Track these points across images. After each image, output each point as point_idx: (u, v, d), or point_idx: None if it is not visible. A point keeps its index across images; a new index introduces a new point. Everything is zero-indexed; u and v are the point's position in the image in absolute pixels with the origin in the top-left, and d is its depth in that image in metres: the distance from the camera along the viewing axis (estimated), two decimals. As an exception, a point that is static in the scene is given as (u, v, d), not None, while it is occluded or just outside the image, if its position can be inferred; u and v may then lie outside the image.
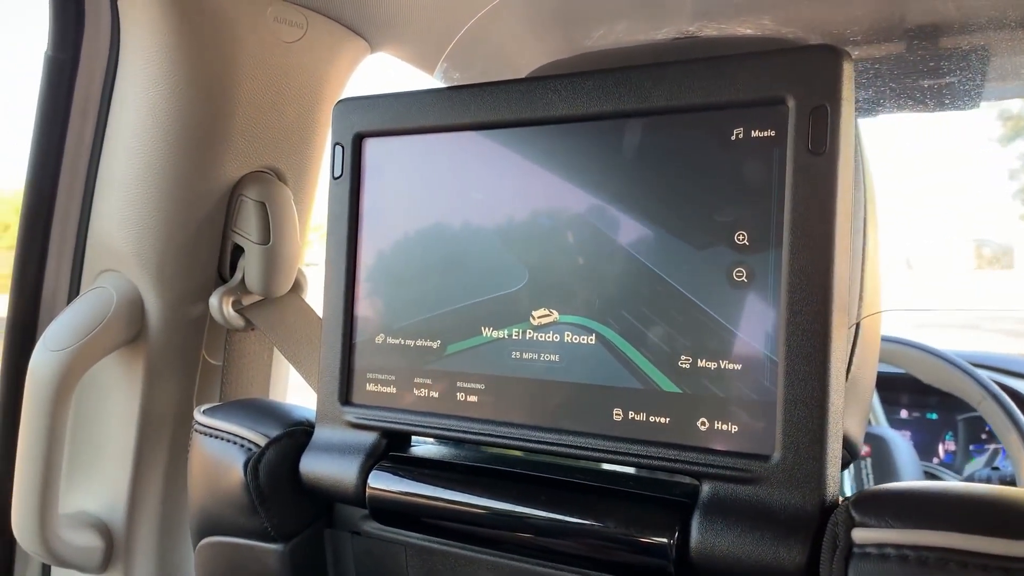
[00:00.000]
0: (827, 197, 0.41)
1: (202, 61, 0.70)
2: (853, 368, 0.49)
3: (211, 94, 0.71)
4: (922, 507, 0.39)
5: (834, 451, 0.41)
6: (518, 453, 0.54)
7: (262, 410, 0.60)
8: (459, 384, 0.52)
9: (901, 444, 1.33)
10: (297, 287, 0.82)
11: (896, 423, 1.62)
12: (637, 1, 0.68)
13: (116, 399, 0.77)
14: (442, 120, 0.53)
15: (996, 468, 1.33)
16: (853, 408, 0.49)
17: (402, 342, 0.54)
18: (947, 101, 0.81)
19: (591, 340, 0.48)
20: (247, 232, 0.75)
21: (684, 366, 0.45)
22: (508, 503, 0.49)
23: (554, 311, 0.49)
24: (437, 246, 0.53)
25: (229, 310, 0.76)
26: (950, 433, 1.61)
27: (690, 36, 0.71)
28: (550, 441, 0.48)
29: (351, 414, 0.55)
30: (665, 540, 0.44)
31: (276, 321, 0.77)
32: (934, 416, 1.63)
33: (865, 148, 0.52)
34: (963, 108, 0.82)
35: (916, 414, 1.64)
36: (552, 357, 0.49)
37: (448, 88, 0.54)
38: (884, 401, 1.56)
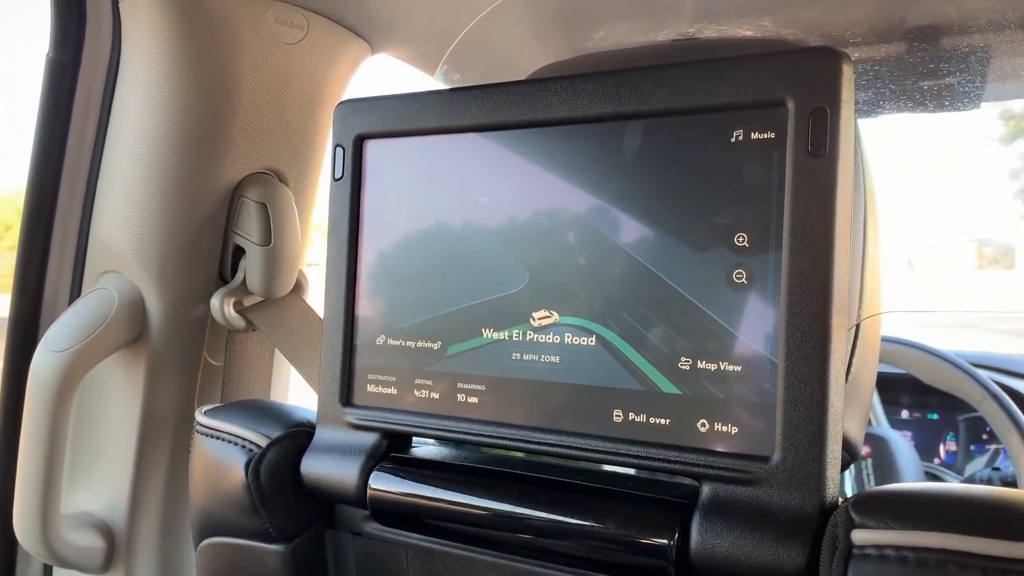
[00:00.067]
0: (827, 199, 0.41)
1: (203, 63, 0.70)
2: (853, 369, 0.49)
3: (212, 95, 0.71)
4: (921, 508, 0.39)
5: (834, 452, 0.41)
6: (518, 454, 0.55)
7: (263, 411, 0.60)
8: (460, 385, 0.52)
9: (902, 444, 1.33)
10: (298, 288, 0.82)
11: (897, 423, 1.62)
12: (637, 3, 0.68)
13: (117, 400, 0.77)
14: (443, 122, 0.53)
15: (997, 468, 1.33)
16: (853, 409, 0.49)
17: (403, 343, 0.54)
18: (947, 102, 0.81)
19: (591, 341, 0.48)
20: (248, 233, 0.75)
21: (684, 367, 0.45)
22: (508, 504, 0.49)
23: (554, 312, 0.49)
24: (438, 247, 0.53)
25: (230, 311, 0.76)
26: (951, 433, 1.60)
27: (690, 38, 0.71)
28: (550, 442, 0.48)
29: (352, 415, 0.55)
30: (665, 541, 0.44)
31: (277, 322, 0.77)
32: (935, 416, 1.63)
33: (865, 149, 0.52)
34: (963, 109, 0.82)
35: (917, 414, 1.64)
36: (552, 358, 0.49)
37: (449, 90, 0.54)
38: (885, 401, 1.56)
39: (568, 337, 0.49)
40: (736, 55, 0.44)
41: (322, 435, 0.57)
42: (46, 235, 0.77)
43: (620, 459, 0.46)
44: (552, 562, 0.49)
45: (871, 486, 1.27)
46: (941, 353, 1.19)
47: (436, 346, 0.53)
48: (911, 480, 1.28)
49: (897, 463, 1.29)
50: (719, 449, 0.44)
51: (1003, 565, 0.35)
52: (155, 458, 0.78)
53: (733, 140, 0.44)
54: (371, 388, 0.56)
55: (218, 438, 0.57)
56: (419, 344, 0.54)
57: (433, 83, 0.90)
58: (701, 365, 0.45)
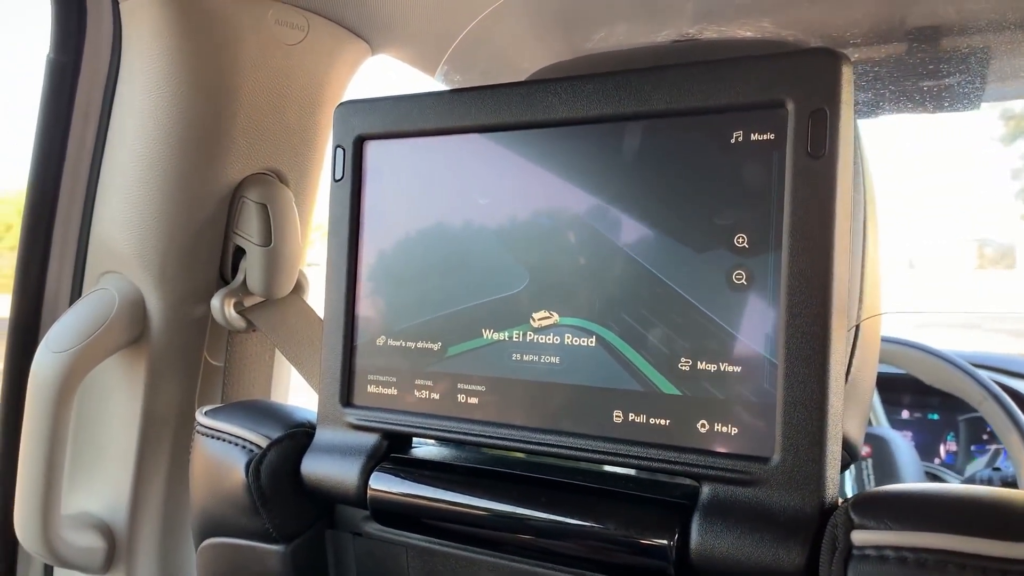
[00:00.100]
0: (826, 200, 0.41)
1: (203, 63, 0.70)
2: (853, 370, 0.49)
3: (212, 96, 0.71)
4: (921, 509, 0.39)
5: (833, 453, 0.41)
6: (519, 455, 0.55)
7: (263, 411, 0.60)
8: (460, 386, 0.52)
9: (902, 445, 1.33)
10: (298, 288, 0.82)
11: (897, 424, 1.62)
12: (637, 4, 0.68)
13: (118, 400, 0.77)
14: (443, 123, 0.53)
15: (997, 469, 1.33)
16: (853, 410, 0.49)
17: (403, 344, 0.54)
18: (947, 103, 0.81)
19: (591, 342, 0.48)
20: (248, 234, 0.75)
21: (684, 368, 0.45)
22: (508, 504, 0.49)
23: (554, 313, 0.49)
24: (438, 248, 0.53)
25: (231, 311, 0.76)
26: (951, 434, 1.60)
27: (690, 39, 0.71)
28: (550, 443, 0.48)
29: (352, 415, 0.55)
30: (665, 542, 0.44)
31: (277, 322, 0.77)
32: (935, 417, 1.63)
33: (865, 150, 0.52)
34: (963, 110, 0.82)
35: (917, 415, 1.64)
36: (552, 359, 0.49)
37: (449, 91, 0.54)
38: (885, 402, 1.56)
39: (568, 338, 0.49)
40: (736, 56, 0.44)
41: (322, 435, 0.57)
42: (47, 236, 0.77)
43: (620, 460, 0.46)
44: (552, 562, 0.49)
45: (871, 486, 1.27)
46: (941, 353, 1.19)
47: (436, 347, 0.53)
48: (911, 480, 1.28)
49: (897, 463, 1.29)
50: (719, 450, 0.44)
51: (1002, 566, 0.35)
52: (156, 458, 0.78)
53: (733, 141, 0.44)
54: (371, 388, 0.56)
55: (219, 438, 0.57)
56: (419, 345, 0.54)
57: (433, 84, 0.90)
58: (701, 366, 0.45)
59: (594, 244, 0.48)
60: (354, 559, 0.58)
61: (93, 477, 0.79)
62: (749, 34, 0.71)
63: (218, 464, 0.57)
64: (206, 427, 0.58)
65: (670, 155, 0.46)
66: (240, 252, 0.77)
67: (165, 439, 0.78)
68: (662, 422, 0.46)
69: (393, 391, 0.55)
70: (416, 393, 0.54)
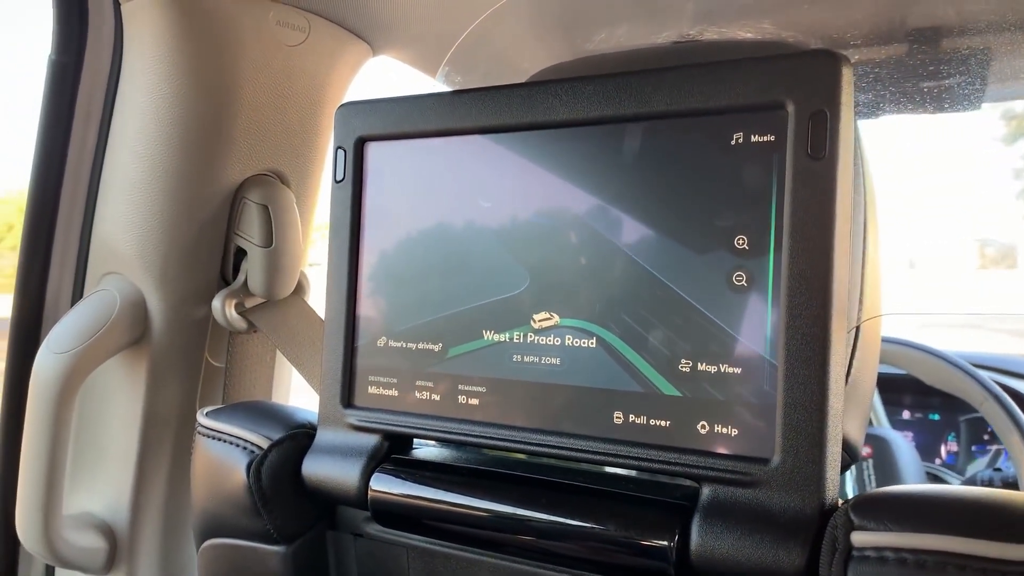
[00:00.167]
0: (826, 201, 0.42)
1: (204, 65, 0.70)
2: (853, 371, 0.49)
3: (213, 97, 0.71)
4: (921, 510, 0.39)
5: (833, 454, 0.42)
6: (519, 456, 0.55)
7: (264, 412, 0.60)
8: (460, 387, 0.52)
9: (903, 445, 1.33)
10: (299, 289, 0.82)
11: (898, 424, 1.62)
12: (638, 5, 0.68)
13: (119, 401, 0.77)
14: (444, 124, 0.53)
15: (998, 469, 1.33)
16: (853, 411, 0.49)
17: (404, 345, 0.54)
18: (947, 104, 0.81)
19: (592, 343, 0.48)
20: (250, 235, 0.76)
21: (684, 369, 0.45)
22: (509, 506, 0.49)
23: (555, 314, 0.49)
24: (438, 249, 0.53)
25: (232, 312, 0.76)
26: (952, 434, 1.60)
27: (691, 40, 0.71)
28: (551, 444, 0.49)
29: (353, 416, 0.56)
30: (665, 543, 0.44)
31: (278, 323, 0.77)
32: (936, 417, 1.62)
33: (865, 151, 0.52)
34: (963, 111, 0.82)
35: (918, 415, 1.64)
36: (553, 360, 0.49)
37: (450, 92, 0.54)
38: (886, 402, 1.56)
39: (568, 339, 0.49)
40: (736, 58, 0.45)
41: (323, 436, 0.57)
42: (48, 236, 0.77)
43: (620, 461, 0.46)
44: (552, 563, 0.49)
45: (872, 487, 1.27)
46: (942, 354, 1.19)
47: (437, 348, 0.53)
48: (912, 481, 1.28)
49: (898, 464, 1.29)
50: (719, 451, 0.44)
51: (1002, 567, 0.35)
52: (157, 459, 0.78)
53: (733, 143, 0.44)
54: (372, 390, 0.56)
55: (220, 439, 0.57)
56: (420, 346, 0.54)
57: (434, 85, 0.90)
58: (701, 367, 0.45)
59: (594, 245, 0.48)
60: (355, 560, 0.58)
61: (94, 477, 0.79)
62: (749, 35, 0.71)
63: (219, 465, 0.57)
64: (207, 428, 0.59)
65: (670, 156, 0.46)
66: (241, 253, 0.77)
67: (166, 440, 0.78)
68: (662, 423, 0.46)
69: (394, 392, 0.55)
70: (417, 394, 0.54)
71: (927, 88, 0.77)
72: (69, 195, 0.77)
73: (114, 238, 0.75)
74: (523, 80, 0.55)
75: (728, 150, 0.44)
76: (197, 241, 0.75)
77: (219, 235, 0.76)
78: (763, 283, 0.43)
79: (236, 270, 0.78)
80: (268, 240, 0.75)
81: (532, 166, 0.50)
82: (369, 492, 0.53)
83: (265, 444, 0.56)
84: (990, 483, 1.27)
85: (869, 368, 0.52)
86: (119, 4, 0.72)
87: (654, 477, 0.50)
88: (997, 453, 1.51)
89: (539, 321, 0.50)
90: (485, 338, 0.51)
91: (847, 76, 0.42)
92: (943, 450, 1.61)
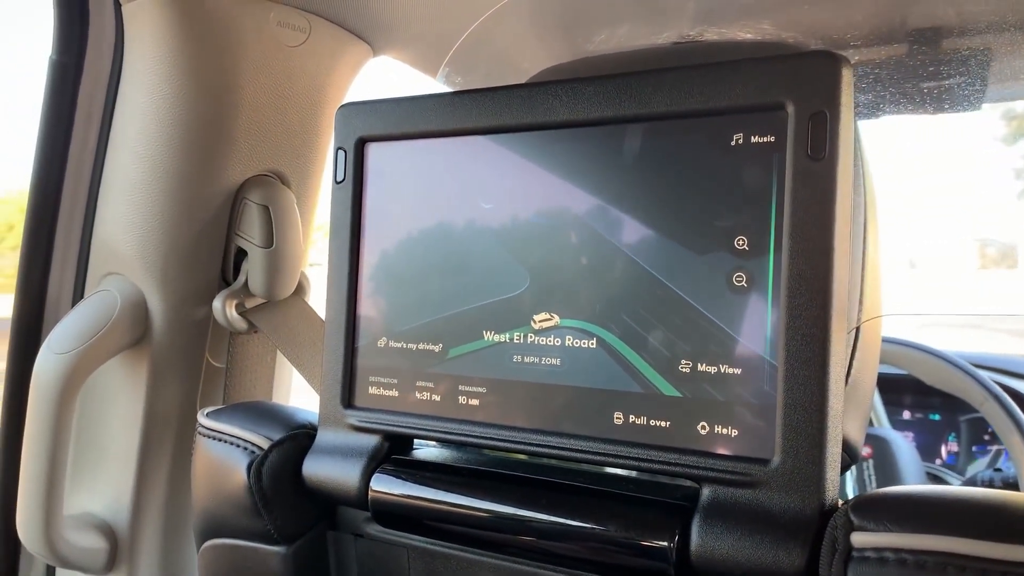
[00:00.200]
0: (826, 202, 0.42)
1: (205, 65, 0.70)
2: (853, 372, 0.49)
3: (214, 98, 0.71)
4: (921, 511, 0.39)
5: (833, 455, 0.42)
6: (519, 456, 0.55)
7: (265, 413, 0.60)
8: (461, 387, 0.52)
9: (903, 445, 1.33)
10: (300, 290, 0.82)
11: (898, 424, 1.62)
12: (638, 6, 0.68)
13: (120, 401, 0.77)
14: (444, 125, 0.53)
15: (999, 469, 1.33)
16: (853, 412, 0.49)
17: (404, 345, 0.55)
18: (947, 104, 0.81)
19: (592, 344, 0.48)
20: (250, 235, 0.76)
21: (684, 370, 0.45)
22: (509, 506, 0.49)
23: (555, 315, 0.49)
24: (439, 250, 0.53)
25: (232, 313, 0.76)
26: (953, 434, 1.60)
27: (691, 40, 0.71)
28: (551, 444, 0.49)
29: (353, 417, 0.56)
30: (665, 543, 0.44)
31: (279, 324, 0.77)
32: (936, 417, 1.62)
33: (865, 152, 0.52)
34: (964, 111, 0.82)
35: (918, 415, 1.64)
36: (553, 361, 0.49)
37: (450, 93, 0.54)
38: (886, 402, 1.56)
39: (569, 339, 0.49)
40: (736, 59, 0.45)
41: (324, 437, 0.57)
42: (49, 237, 0.77)
43: (620, 461, 0.46)
44: (553, 564, 0.49)
45: (872, 487, 1.27)
46: (942, 354, 1.19)
47: (437, 348, 0.53)
48: (913, 481, 1.28)
49: (898, 464, 1.29)
50: (719, 451, 0.44)
51: (1002, 568, 0.35)
52: (158, 460, 0.78)
53: (733, 144, 0.44)
54: (372, 390, 0.56)
55: (220, 440, 0.58)
56: (420, 346, 0.54)
57: (435, 85, 0.90)
58: (701, 368, 0.45)
59: (595, 246, 0.48)
60: (355, 560, 0.58)
61: (95, 478, 0.79)
62: (749, 36, 0.71)
63: (220, 465, 0.57)
64: (208, 428, 0.59)
65: (670, 157, 0.46)
66: (242, 254, 0.77)
67: (167, 440, 0.78)
68: (662, 424, 0.46)
69: (394, 392, 0.55)
70: (417, 395, 0.54)
71: (927, 89, 0.77)
72: (70, 195, 0.77)
73: (115, 238, 0.75)
74: (523, 80, 0.55)
75: (728, 151, 0.44)
76: (198, 242, 0.75)
77: (220, 236, 0.76)
78: (763, 284, 0.43)
79: (236, 270, 0.78)
80: (269, 241, 0.75)
81: (532, 167, 0.50)
82: (369, 492, 0.53)
83: (266, 444, 0.56)
84: (990, 483, 1.27)
85: (869, 368, 0.52)
86: (120, 5, 0.72)
87: (654, 478, 0.50)
88: (997, 453, 1.51)
89: (539, 321, 0.50)
90: (485, 338, 0.51)
91: (847, 77, 0.42)
92: (943, 450, 1.61)
